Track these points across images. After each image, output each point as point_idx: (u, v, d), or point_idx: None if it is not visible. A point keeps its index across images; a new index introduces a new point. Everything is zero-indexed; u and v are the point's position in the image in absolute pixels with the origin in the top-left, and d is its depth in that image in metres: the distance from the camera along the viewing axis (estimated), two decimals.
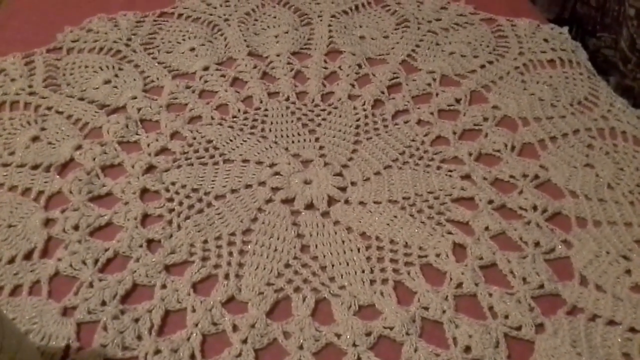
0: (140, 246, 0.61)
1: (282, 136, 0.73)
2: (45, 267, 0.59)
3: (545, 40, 0.86)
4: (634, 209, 0.66)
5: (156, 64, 0.81)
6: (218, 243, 0.62)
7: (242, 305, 0.57)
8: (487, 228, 0.64)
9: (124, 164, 0.69)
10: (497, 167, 0.70)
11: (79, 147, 0.70)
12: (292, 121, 0.75)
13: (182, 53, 0.83)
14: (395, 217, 0.64)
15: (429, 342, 0.55)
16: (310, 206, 0.66)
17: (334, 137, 0.73)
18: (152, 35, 0.85)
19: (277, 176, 0.68)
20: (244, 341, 0.54)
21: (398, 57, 0.84)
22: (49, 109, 0.74)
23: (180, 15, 0.89)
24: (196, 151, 0.71)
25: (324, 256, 0.61)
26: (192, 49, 0.84)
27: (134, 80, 0.79)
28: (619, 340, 0.55)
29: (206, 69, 0.81)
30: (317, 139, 0.73)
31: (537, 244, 0.62)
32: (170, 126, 0.73)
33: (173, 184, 0.67)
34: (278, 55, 0.83)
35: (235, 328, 0.55)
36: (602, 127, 0.75)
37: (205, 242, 0.62)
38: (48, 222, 0.63)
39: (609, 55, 0.94)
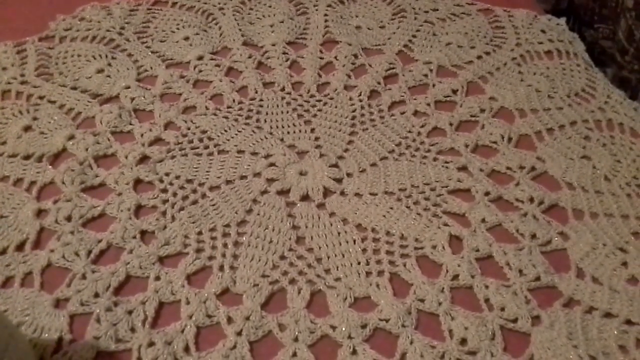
0: (134, 237, 0.60)
1: (277, 127, 0.72)
2: (38, 259, 0.58)
3: (543, 31, 0.86)
4: (631, 201, 0.66)
5: (150, 53, 0.80)
6: (212, 234, 0.61)
7: (237, 297, 0.57)
8: (483, 220, 0.63)
9: (117, 154, 0.68)
10: (493, 159, 0.70)
11: (71, 137, 0.69)
12: (287, 112, 0.74)
13: (176, 42, 0.82)
14: (392, 208, 0.64)
15: (424, 334, 0.55)
16: (305, 197, 0.65)
17: (329, 128, 0.73)
18: (146, 23, 0.84)
19: (272, 167, 0.68)
20: (239, 333, 0.54)
21: (394, 48, 0.83)
22: (41, 98, 0.73)
23: (174, 3, 0.88)
24: (190, 141, 0.70)
25: (320, 248, 0.60)
26: (187, 38, 0.83)
27: (127, 69, 0.78)
28: (615, 332, 0.55)
29: (200, 58, 0.80)
30: (312, 130, 0.72)
31: (533, 236, 0.62)
32: (164, 116, 0.72)
33: (167, 174, 0.66)
34: (273, 45, 0.82)
35: (229, 320, 0.55)
36: (599, 118, 0.74)
37: (200, 233, 0.61)
38: (40, 213, 0.62)
39: (607, 46, 0.93)
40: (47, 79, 0.76)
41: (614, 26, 0.91)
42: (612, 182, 0.67)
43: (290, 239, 0.61)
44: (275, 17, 0.86)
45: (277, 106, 0.75)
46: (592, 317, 0.56)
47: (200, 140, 0.70)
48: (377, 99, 0.76)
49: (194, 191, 0.65)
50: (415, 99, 0.76)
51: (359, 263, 0.59)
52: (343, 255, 0.60)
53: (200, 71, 0.78)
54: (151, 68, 0.78)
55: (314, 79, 0.78)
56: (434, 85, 0.78)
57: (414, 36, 0.85)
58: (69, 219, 0.61)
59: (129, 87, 0.75)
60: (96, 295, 0.56)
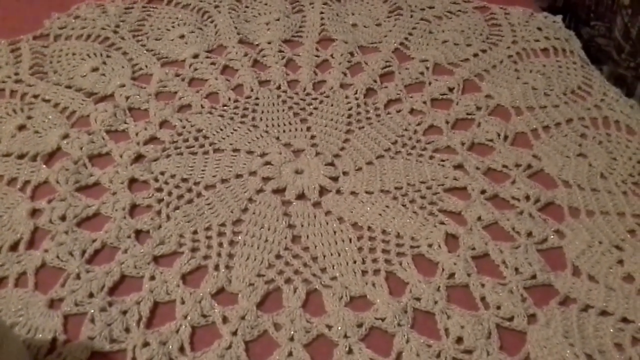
0: (129, 237, 0.60)
1: (273, 125, 0.72)
2: (32, 259, 0.58)
3: (539, 28, 0.86)
4: (627, 198, 0.66)
5: (145, 52, 0.80)
6: (208, 234, 0.61)
7: (232, 297, 0.56)
8: (479, 218, 0.63)
9: (112, 154, 0.68)
10: (489, 157, 0.70)
11: (66, 136, 0.69)
12: (283, 110, 0.74)
13: (172, 40, 0.82)
14: (388, 207, 0.64)
15: (420, 333, 0.54)
16: (301, 196, 0.65)
17: (325, 126, 0.72)
18: (141, 22, 0.84)
19: (268, 166, 0.67)
20: (234, 333, 0.54)
21: (390, 46, 0.83)
22: (35, 97, 0.73)
23: (169, 1, 0.87)
24: (186, 140, 0.70)
25: (315, 247, 0.60)
26: (182, 36, 0.82)
27: (122, 67, 0.77)
28: (611, 330, 0.55)
29: (196, 56, 0.80)
30: (308, 128, 0.72)
31: (529, 234, 0.62)
32: (159, 115, 0.72)
33: (162, 173, 0.66)
34: (269, 43, 0.82)
35: (225, 320, 0.55)
36: (595, 116, 0.74)
37: (195, 232, 0.61)
38: (34, 213, 0.62)
39: (603, 44, 0.93)
40: (42, 77, 0.75)
41: (610, 24, 0.91)
42: (608, 180, 0.67)
43: (286, 237, 0.61)
44: (271, 15, 0.86)
45: (273, 104, 0.74)
46: (588, 315, 0.56)
47: (196, 139, 0.70)
48: (373, 97, 0.76)
49: (189, 190, 0.65)
50: (411, 97, 0.76)
51: (354, 262, 0.59)
52: (339, 254, 0.60)
53: (196, 69, 0.78)
54: (146, 66, 0.78)
55: (310, 77, 0.78)
56: (430, 83, 0.78)
57: (410, 34, 0.85)
58: (63, 218, 0.61)
59: (123, 86, 0.75)
60: (90, 295, 0.55)
